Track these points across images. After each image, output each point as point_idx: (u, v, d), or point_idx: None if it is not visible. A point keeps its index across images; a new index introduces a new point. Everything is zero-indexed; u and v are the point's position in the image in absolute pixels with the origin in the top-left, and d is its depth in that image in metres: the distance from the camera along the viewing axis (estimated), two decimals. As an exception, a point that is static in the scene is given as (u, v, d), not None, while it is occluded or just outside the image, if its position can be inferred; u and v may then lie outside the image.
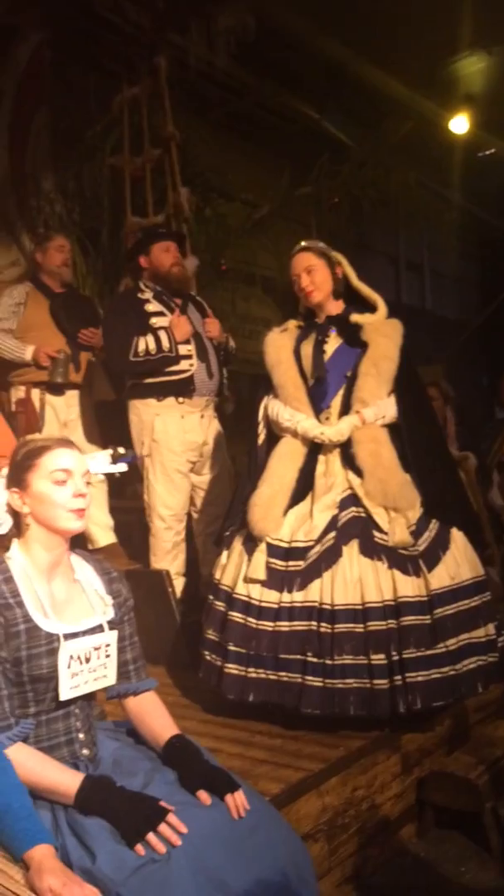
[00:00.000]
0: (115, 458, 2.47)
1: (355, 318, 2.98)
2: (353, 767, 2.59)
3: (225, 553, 2.95)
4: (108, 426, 4.31)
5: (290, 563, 2.77)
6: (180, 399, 3.78)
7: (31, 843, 1.51)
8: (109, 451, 2.47)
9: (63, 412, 4.15)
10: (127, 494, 4.70)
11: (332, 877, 2.41)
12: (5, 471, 1.97)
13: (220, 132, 5.93)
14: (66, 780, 1.72)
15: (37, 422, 4.02)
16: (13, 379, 4.12)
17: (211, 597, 2.92)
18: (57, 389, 4.11)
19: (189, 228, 4.83)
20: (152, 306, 3.80)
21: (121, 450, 2.50)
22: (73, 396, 4.20)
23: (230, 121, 5.99)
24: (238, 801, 1.76)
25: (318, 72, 5.91)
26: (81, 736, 1.90)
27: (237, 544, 2.90)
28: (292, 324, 3.10)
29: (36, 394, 4.07)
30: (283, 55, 5.60)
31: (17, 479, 1.90)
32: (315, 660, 2.66)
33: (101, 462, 2.44)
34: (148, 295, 3.85)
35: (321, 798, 2.44)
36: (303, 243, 3.08)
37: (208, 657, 2.87)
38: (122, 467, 2.49)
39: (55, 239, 4.31)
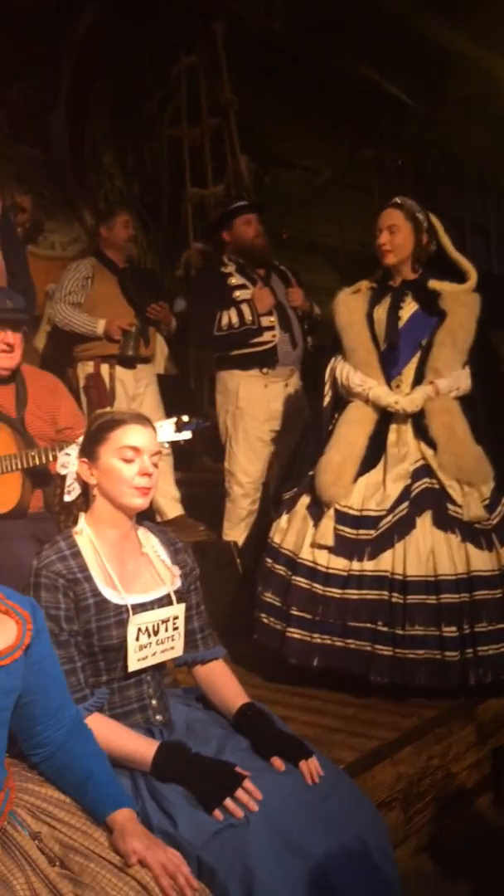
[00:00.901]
0: (180, 426, 2.47)
1: (434, 284, 2.91)
2: (427, 737, 2.57)
3: (285, 516, 2.92)
4: (169, 400, 4.34)
5: (361, 531, 2.74)
6: (264, 369, 3.84)
7: (114, 808, 1.54)
8: (174, 420, 2.47)
9: (131, 386, 4.18)
10: (194, 467, 4.73)
11: (408, 845, 2.41)
12: (81, 439, 1.99)
13: (279, 98, 5.82)
14: (141, 747, 1.74)
15: (106, 396, 4.06)
16: (80, 354, 4.16)
17: (269, 559, 2.91)
18: (128, 363, 4.14)
19: (248, 197, 4.76)
20: (235, 279, 3.86)
21: (185, 417, 2.50)
22: (141, 370, 4.23)
23: (288, 86, 5.88)
24: (312, 767, 1.77)
25: (378, 31, 5.74)
26: (154, 702, 1.92)
27: (300, 508, 2.88)
28: (365, 285, 3.03)
29: (105, 368, 4.11)
30: (342, 15, 5.46)
31: (89, 450, 1.91)
32: (385, 629, 2.64)
33: (166, 430, 2.44)
34: (230, 269, 3.90)
35: (396, 767, 2.43)
36: (396, 199, 2.98)
37: (266, 620, 2.86)
38: (186, 435, 2.49)
39: (121, 214, 4.34)
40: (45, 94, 5.17)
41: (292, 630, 2.76)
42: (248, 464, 3.90)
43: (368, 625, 2.66)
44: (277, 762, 1.76)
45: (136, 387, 4.20)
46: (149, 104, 5.30)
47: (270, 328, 3.80)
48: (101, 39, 5.23)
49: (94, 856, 1.44)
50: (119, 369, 4.13)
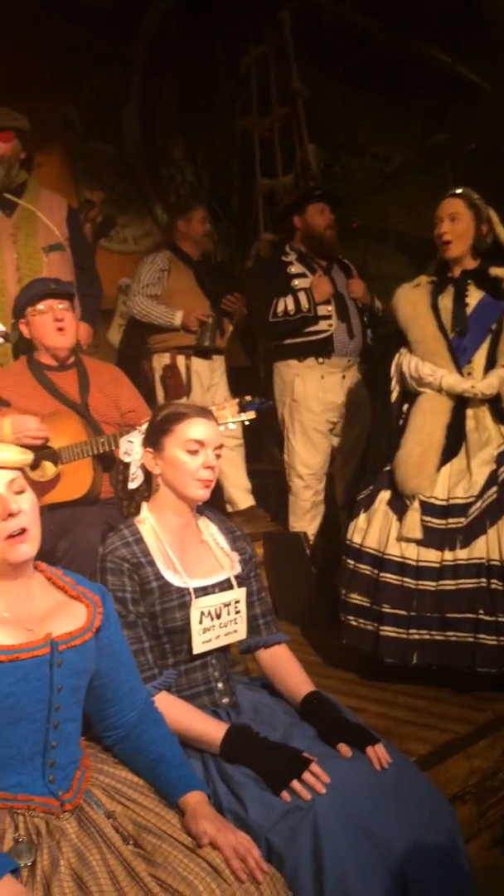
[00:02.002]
0: (243, 406, 2.47)
1: (496, 271, 2.88)
2: (501, 731, 2.52)
3: (363, 515, 2.89)
4: (240, 392, 4.35)
5: (450, 520, 2.69)
6: (320, 359, 3.81)
7: (186, 790, 1.57)
8: (236, 401, 2.47)
9: (206, 377, 4.22)
10: (263, 458, 4.74)
11: (482, 839, 2.37)
12: (144, 427, 2.03)
13: (347, 85, 5.76)
14: (210, 729, 1.78)
15: (182, 387, 4.11)
16: (155, 346, 4.23)
17: (351, 561, 2.87)
18: (204, 354, 4.19)
19: (317, 186, 4.73)
20: (295, 268, 3.85)
21: (247, 397, 2.50)
22: (216, 361, 4.27)
23: (357, 72, 5.81)
24: (379, 753, 1.77)
25: (449, 13, 5.62)
26: (220, 685, 1.96)
27: (379, 505, 2.84)
28: (424, 279, 3.02)
29: (181, 360, 4.16)
30: (412, -2, 5.37)
31: (154, 440, 1.97)
32: (488, 618, 2.58)
33: (230, 412, 2.45)
34: (291, 257, 3.89)
35: (469, 760, 2.39)
36: (457, 189, 2.97)
37: (355, 622, 2.81)
38: (249, 415, 2.49)
39: (198, 209, 4.38)
40: (117, 91, 5.24)
41: (386, 628, 2.70)
42: (307, 456, 3.87)
43: (469, 615, 2.60)
44: (344, 748, 1.77)
45: (211, 377, 4.24)
46: (219, 96, 5.31)
47: (327, 317, 3.77)
48: (171, 34, 5.26)
49: (167, 836, 1.47)
50: (195, 360, 4.18)
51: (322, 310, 3.75)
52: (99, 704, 1.63)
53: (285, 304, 3.74)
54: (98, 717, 1.65)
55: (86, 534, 2.43)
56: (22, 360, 2.91)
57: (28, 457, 1.59)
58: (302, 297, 3.74)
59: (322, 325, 3.76)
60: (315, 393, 3.82)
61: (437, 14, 5.65)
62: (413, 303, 2.94)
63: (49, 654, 1.48)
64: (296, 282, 3.78)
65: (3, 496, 1.51)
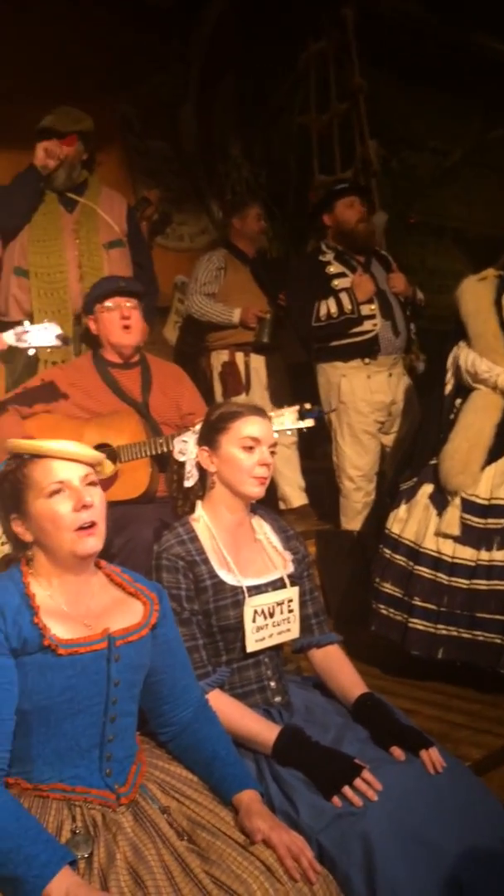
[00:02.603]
0: (302, 414, 2.49)
1: None
2: None
3: (404, 506, 2.88)
4: (298, 388, 4.35)
5: (490, 520, 2.68)
6: (366, 360, 3.75)
7: (240, 788, 1.58)
8: (296, 408, 2.49)
9: (265, 373, 4.23)
10: (316, 455, 4.73)
11: (537, 848, 2.32)
12: (198, 427, 2.05)
13: (405, 79, 5.69)
14: (263, 730, 1.79)
15: (241, 384, 4.13)
16: (214, 343, 4.25)
17: (388, 550, 2.87)
18: (263, 350, 4.19)
19: (377, 182, 4.70)
20: (333, 268, 3.78)
21: (307, 405, 2.52)
22: (275, 357, 4.27)
23: (416, 66, 5.73)
24: (433, 757, 1.75)
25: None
26: (273, 684, 1.96)
27: (421, 497, 2.83)
28: (491, 273, 2.96)
29: (240, 356, 4.18)
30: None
31: (209, 438, 1.99)
32: None
33: (289, 419, 2.47)
34: (329, 257, 3.82)
35: (524, 767, 2.35)
36: None
37: (385, 611, 2.84)
38: (308, 423, 2.51)
39: (253, 207, 4.39)
40: (175, 89, 5.27)
41: (415, 621, 2.73)
42: (356, 458, 3.82)
43: (498, 616, 2.60)
44: (397, 752, 1.76)
45: (270, 374, 4.24)
46: (276, 93, 5.30)
47: (371, 317, 3.69)
48: (230, 32, 5.27)
49: (221, 834, 1.48)
50: (253, 356, 4.19)
51: (365, 309, 3.68)
52: (154, 700, 1.65)
53: (327, 306, 3.66)
54: (153, 713, 1.67)
55: (141, 531, 2.46)
56: (87, 355, 2.96)
57: (102, 455, 1.63)
58: (344, 297, 3.67)
59: (367, 325, 3.69)
60: (363, 394, 3.76)
61: (499, 5, 5.54)
62: (477, 297, 2.91)
63: (106, 648, 1.50)
64: (336, 282, 3.71)
65: (77, 488, 1.54)
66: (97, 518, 1.55)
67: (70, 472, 1.54)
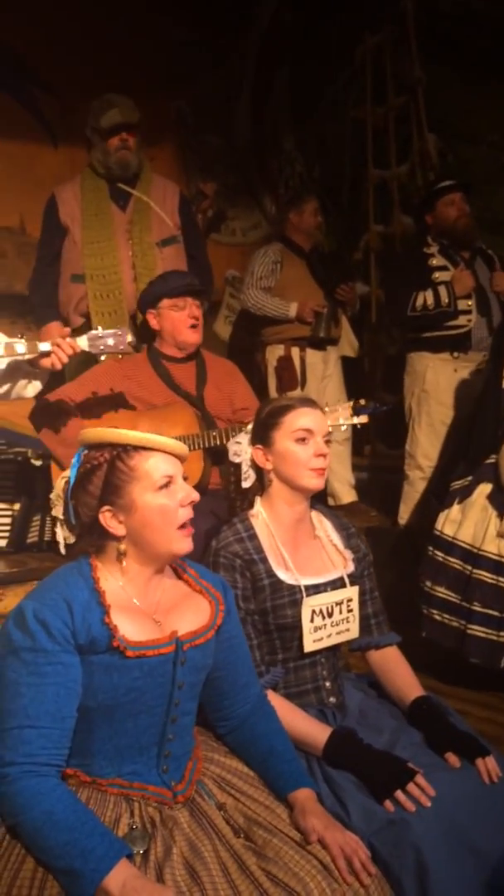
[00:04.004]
0: (357, 410, 2.47)
1: None
2: None
3: (457, 506, 2.82)
4: (353, 382, 4.34)
5: None
6: (455, 353, 3.76)
7: (295, 786, 1.56)
8: (350, 403, 2.47)
9: (320, 368, 4.22)
10: (365, 452, 4.70)
11: None
12: (250, 427, 2.03)
13: (464, 72, 5.59)
14: (314, 732, 1.77)
15: (296, 378, 4.13)
16: (270, 338, 4.25)
17: (439, 553, 2.80)
18: (319, 344, 4.19)
19: (435, 176, 4.63)
20: (436, 261, 3.80)
21: (361, 401, 2.50)
22: (330, 352, 4.27)
23: (474, 58, 5.63)
24: (489, 766, 1.72)
25: None
26: (328, 684, 1.94)
27: (478, 497, 2.76)
28: None
29: (296, 351, 4.17)
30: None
31: (262, 436, 1.97)
32: None
33: (343, 414, 2.45)
34: (433, 249, 3.84)
35: None
36: None
37: (439, 616, 2.77)
38: (362, 419, 2.49)
39: (310, 201, 4.37)
40: (229, 84, 5.26)
41: (474, 627, 2.66)
42: (430, 447, 3.83)
43: None
44: (452, 758, 1.73)
45: (325, 368, 4.23)
46: (332, 87, 5.26)
47: (467, 312, 3.71)
48: (284, 27, 5.24)
49: (277, 831, 1.47)
50: (309, 351, 4.18)
51: (462, 304, 3.69)
52: (214, 695, 1.65)
53: (424, 297, 3.70)
54: (212, 706, 1.66)
55: (195, 522, 2.46)
56: (143, 347, 2.97)
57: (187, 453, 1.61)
58: (442, 290, 3.69)
59: (461, 319, 3.70)
60: (446, 386, 3.78)
61: None
62: None
63: (174, 652, 1.49)
64: (437, 275, 3.73)
65: (182, 483, 1.53)
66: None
67: (175, 468, 1.53)
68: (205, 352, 3.01)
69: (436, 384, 3.77)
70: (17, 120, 4.38)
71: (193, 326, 2.83)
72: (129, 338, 2.58)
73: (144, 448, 1.51)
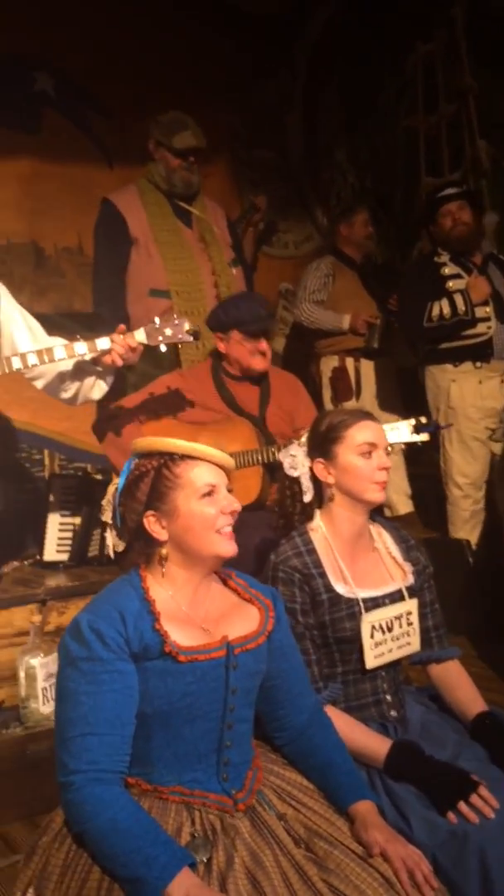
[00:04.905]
0: (417, 428, 2.46)
1: None
2: None
3: None
4: (407, 393, 4.32)
5: None
6: (478, 364, 3.67)
7: (355, 798, 1.56)
8: (411, 421, 2.47)
9: (374, 379, 4.21)
10: (422, 461, 4.66)
11: None
12: (303, 439, 2.04)
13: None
14: (374, 744, 1.76)
15: (351, 389, 4.13)
16: (323, 350, 4.26)
17: None
18: (373, 355, 4.17)
19: (488, 183, 4.59)
20: (449, 269, 3.73)
21: (422, 419, 2.49)
22: (384, 362, 4.26)
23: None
24: None
25: None
26: (389, 697, 1.92)
27: None
28: None
29: (350, 362, 4.18)
30: None
31: (323, 449, 1.96)
32: None
33: (403, 432, 2.45)
34: (444, 258, 3.77)
35: None
36: None
37: None
38: (423, 437, 2.48)
39: (361, 213, 4.39)
40: (280, 97, 5.30)
41: None
42: (464, 465, 3.75)
43: None
44: (518, 773, 1.70)
45: (380, 379, 4.22)
46: (383, 96, 5.26)
47: (486, 319, 3.62)
48: (335, 39, 5.26)
49: (338, 843, 1.47)
50: (363, 362, 4.18)
51: (480, 311, 3.61)
52: (270, 705, 1.66)
53: (440, 307, 3.62)
54: (268, 717, 1.67)
55: (251, 537, 2.47)
56: (208, 362, 2.99)
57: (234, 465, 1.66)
58: (458, 299, 3.61)
59: (480, 327, 3.62)
60: (473, 399, 3.68)
61: None
62: None
63: (225, 656, 1.51)
64: (450, 283, 3.66)
65: (225, 493, 1.58)
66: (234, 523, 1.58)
67: (219, 478, 1.58)
68: (271, 369, 3.00)
69: (461, 399, 3.68)
70: (74, 142, 4.48)
71: (261, 356, 2.84)
72: (187, 326, 2.61)
73: (190, 457, 1.56)
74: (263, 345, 2.83)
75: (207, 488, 1.55)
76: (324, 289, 4.23)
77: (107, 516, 1.53)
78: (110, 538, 1.64)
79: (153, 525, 1.56)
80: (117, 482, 1.63)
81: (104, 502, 1.56)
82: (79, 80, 4.46)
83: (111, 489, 1.65)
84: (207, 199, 3.65)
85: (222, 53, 4.81)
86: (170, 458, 1.56)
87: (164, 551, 1.56)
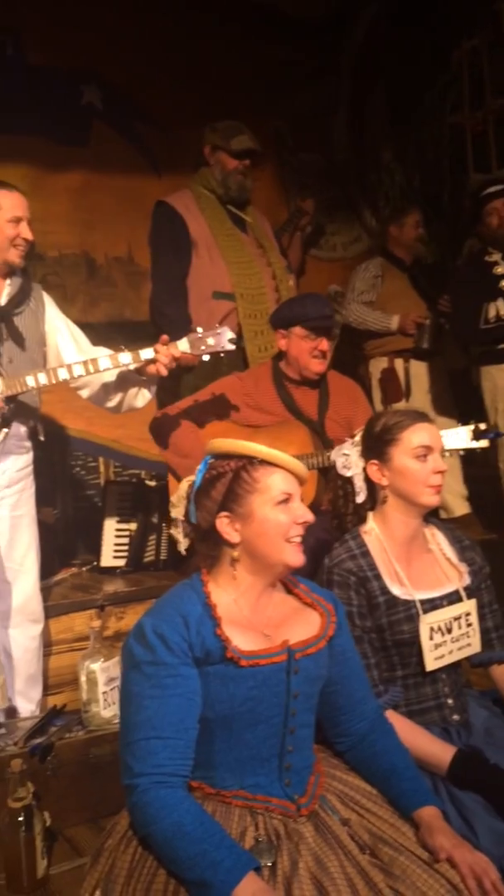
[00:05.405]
0: (477, 434, 2.43)
1: None
2: None
3: None
4: (458, 394, 4.27)
5: None
6: None
7: (420, 804, 1.55)
8: (471, 427, 2.44)
9: (425, 380, 4.17)
10: (479, 461, 4.59)
11: None
12: (356, 439, 2.02)
13: None
14: (437, 751, 1.74)
15: (401, 390, 4.10)
16: (373, 351, 4.24)
17: None
18: (423, 356, 4.14)
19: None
20: (501, 268, 3.69)
21: (482, 425, 2.46)
22: (435, 363, 4.22)
23: None
24: None
25: None
26: (450, 701, 1.90)
27: None
28: None
29: (399, 363, 4.15)
30: None
31: (378, 451, 1.95)
32: None
33: (463, 437, 2.42)
34: (496, 257, 3.74)
35: None
36: None
37: None
38: (483, 443, 2.44)
39: (412, 214, 4.36)
40: (326, 100, 5.29)
41: None
42: None
43: None
44: None
45: (431, 380, 4.18)
46: (429, 94, 5.22)
47: None
48: (380, 39, 5.24)
49: (404, 849, 1.46)
50: (413, 363, 4.15)
51: None
52: (331, 711, 1.65)
53: (496, 308, 3.59)
54: (330, 723, 1.67)
55: (306, 539, 2.47)
56: (267, 365, 2.99)
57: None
58: None
59: None
60: None
61: None
62: None
63: (286, 661, 1.51)
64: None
65: (299, 503, 1.59)
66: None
67: (294, 487, 1.59)
68: (331, 372, 2.98)
69: None
70: (122, 152, 4.54)
71: (320, 357, 2.83)
72: (230, 335, 2.62)
73: (269, 463, 1.56)
74: (325, 344, 2.81)
75: (283, 496, 1.56)
76: (372, 290, 4.21)
77: (176, 512, 1.54)
78: (177, 535, 1.65)
79: (226, 526, 1.56)
80: (192, 479, 1.64)
81: (174, 498, 1.56)
82: (125, 92, 4.52)
83: (183, 486, 1.65)
84: (255, 209, 3.66)
85: (266, 59, 4.81)
86: (249, 462, 1.57)
87: (235, 553, 1.57)
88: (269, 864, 1.38)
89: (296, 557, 1.56)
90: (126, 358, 2.57)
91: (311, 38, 4.98)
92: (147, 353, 2.57)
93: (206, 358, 2.64)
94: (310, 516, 1.57)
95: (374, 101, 5.46)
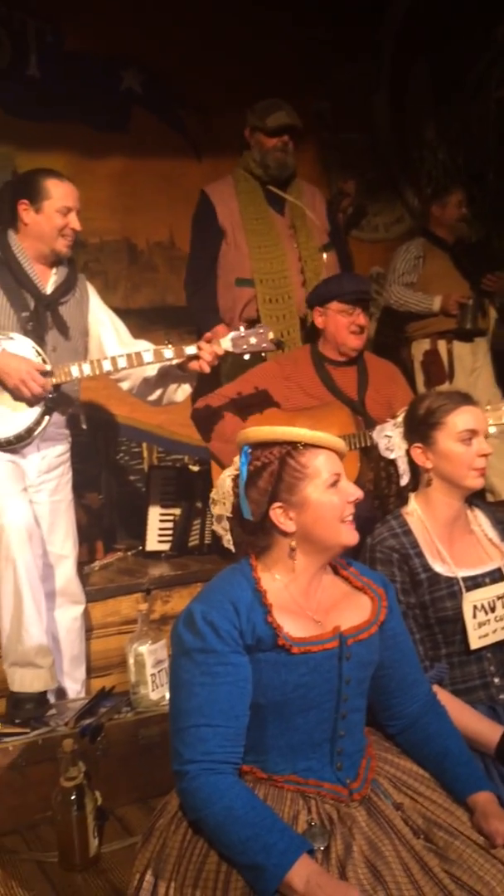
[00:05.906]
0: None
1: None
2: None
3: None
4: (502, 375, 4.21)
5: None
6: None
7: (474, 789, 1.53)
8: None
9: (469, 361, 4.12)
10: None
11: None
12: (399, 420, 2.00)
13: None
14: (485, 730, 1.73)
15: (444, 372, 4.05)
16: (414, 333, 4.20)
17: None
18: (466, 337, 4.09)
19: None
20: None
21: None
22: (478, 344, 4.16)
23: None
24: None
25: None
26: (497, 680, 1.90)
27: None
28: None
29: (442, 344, 4.10)
30: None
31: (422, 434, 1.94)
32: None
33: None
34: None
35: None
36: None
37: None
38: None
39: (455, 193, 4.30)
40: (366, 78, 5.21)
41: None
42: None
43: None
44: None
45: (474, 361, 4.13)
46: (473, 70, 5.11)
47: None
48: (421, 16, 5.14)
49: (459, 834, 1.44)
50: (456, 344, 4.10)
51: None
52: (383, 694, 1.64)
53: None
54: (381, 706, 1.65)
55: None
56: (305, 347, 2.99)
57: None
58: None
59: None
60: None
61: None
62: None
63: (338, 647, 1.50)
64: None
65: (349, 483, 1.56)
66: None
67: (340, 465, 1.56)
68: (367, 354, 2.99)
69: None
70: (162, 137, 4.53)
71: (356, 333, 2.82)
72: (271, 335, 2.63)
73: (313, 446, 1.53)
74: (361, 318, 2.81)
75: (334, 478, 1.52)
76: (413, 271, 4.16)
77: (221, 509, 1.51)
78: (221, 531, 1.62)
79: (281, 517, 1.52)
80: (232, 473, 1.62)
81: (215, 495, 1.54)
82: (165, 76, 4.50)
83: (225, 482, 1.62)
84: (306, 183, 3.63)
85: (304, 40, 4.75)
86: (292, 448, 1.52)
87: (293, 543, 1.53)
88: (322, 849, 1.38)
89: (352, 536, 1.54)
90: (169, 353, 2.61)
91: (353, 16, 4.90)
92: (190, 350, 2.59)
93: (246, 357, 2.67)
94: (359, 493, 1.55)
95: (417, 79, 5.36)
